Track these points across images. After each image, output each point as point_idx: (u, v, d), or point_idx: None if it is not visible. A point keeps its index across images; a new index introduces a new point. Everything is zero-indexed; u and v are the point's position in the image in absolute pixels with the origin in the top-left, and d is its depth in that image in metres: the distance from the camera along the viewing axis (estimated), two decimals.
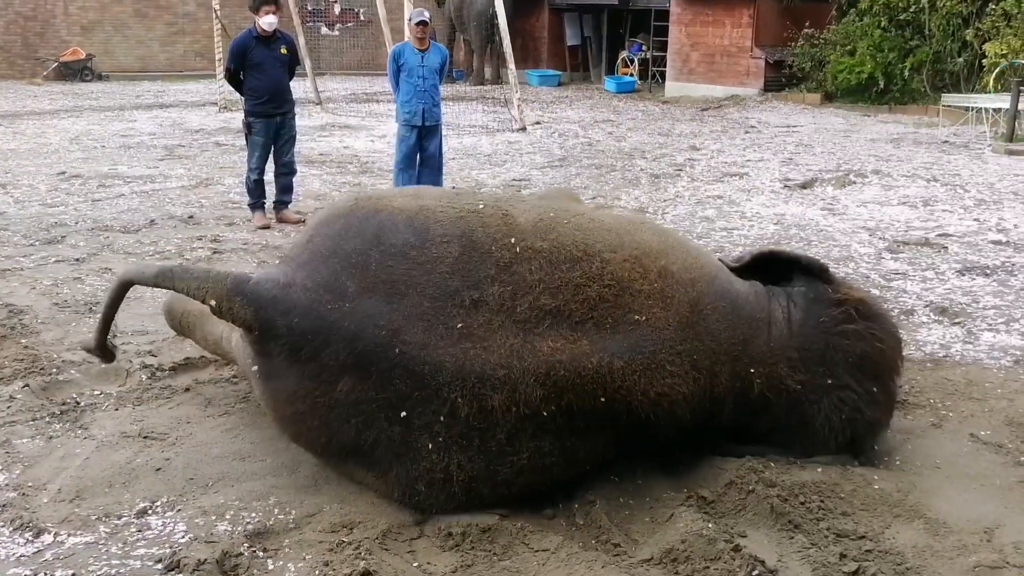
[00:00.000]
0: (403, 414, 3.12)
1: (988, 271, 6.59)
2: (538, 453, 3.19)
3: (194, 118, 15.41)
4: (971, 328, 5.39)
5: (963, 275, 6.51)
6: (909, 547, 3.10)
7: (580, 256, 3.30)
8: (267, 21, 7.68)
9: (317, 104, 17.20)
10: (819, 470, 3.47)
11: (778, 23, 19.47)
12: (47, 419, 4.01)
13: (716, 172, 10.76)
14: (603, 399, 3.17)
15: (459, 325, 3.12)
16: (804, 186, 9.85)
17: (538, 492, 3.29)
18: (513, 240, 3.28)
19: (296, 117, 8.32)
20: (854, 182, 9.94)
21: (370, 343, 3.11)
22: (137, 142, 12.52)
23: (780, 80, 19.37)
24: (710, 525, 3.13)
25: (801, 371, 3.50)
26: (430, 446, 3.14)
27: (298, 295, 3.21)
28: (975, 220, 8.25)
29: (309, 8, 23.42)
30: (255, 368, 3.40)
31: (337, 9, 25.02)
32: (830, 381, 3.50)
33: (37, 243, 7.13)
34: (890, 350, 3.65)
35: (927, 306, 5.80)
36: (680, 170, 10.90)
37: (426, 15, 8.57)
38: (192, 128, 14.08)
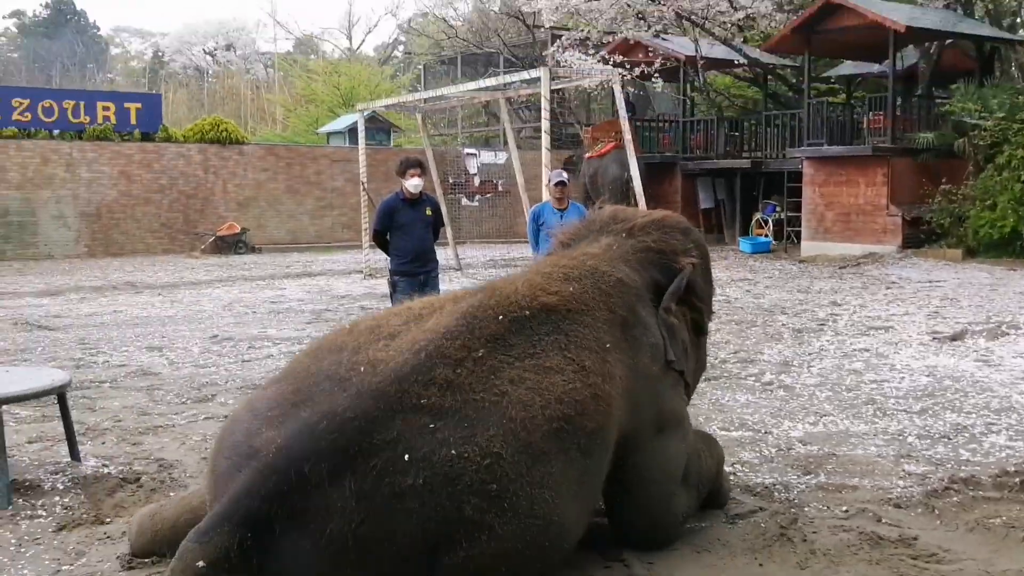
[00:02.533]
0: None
1: None
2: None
3: (340, 285, 15.98)
4: None
5: None
6: None
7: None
8: (413, 184, 7.99)
9: (458, 269, 17.67)
10: None
11: (913, 180, 19.25)
12: None
13: (860, 326, 10.47)
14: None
15: (361, 369, 3.35)
16: (954, 338, 9.46)
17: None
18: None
19: (439, 278, 8.54)
20: (1007, 333, 9.49)
21: (325, 435, 3.07)
22: (286, 307, 13.01)
23: (918, 237, 18.97)
24: None
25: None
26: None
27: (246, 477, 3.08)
28: None
29: (451, 181, 24.40)
30: None
31: (476, 181, 25.98)
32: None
33: (189, 401, 7.37)
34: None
35: None
36: (823, 324, 10.65)
37: (564, 176, 8.79)
38: (339, 294, 14.59)
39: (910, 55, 21.87)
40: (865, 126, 20.60)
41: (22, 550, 4.29)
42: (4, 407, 5.06)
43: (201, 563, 2.92)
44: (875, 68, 23.53)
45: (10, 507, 4.81)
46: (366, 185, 17.96)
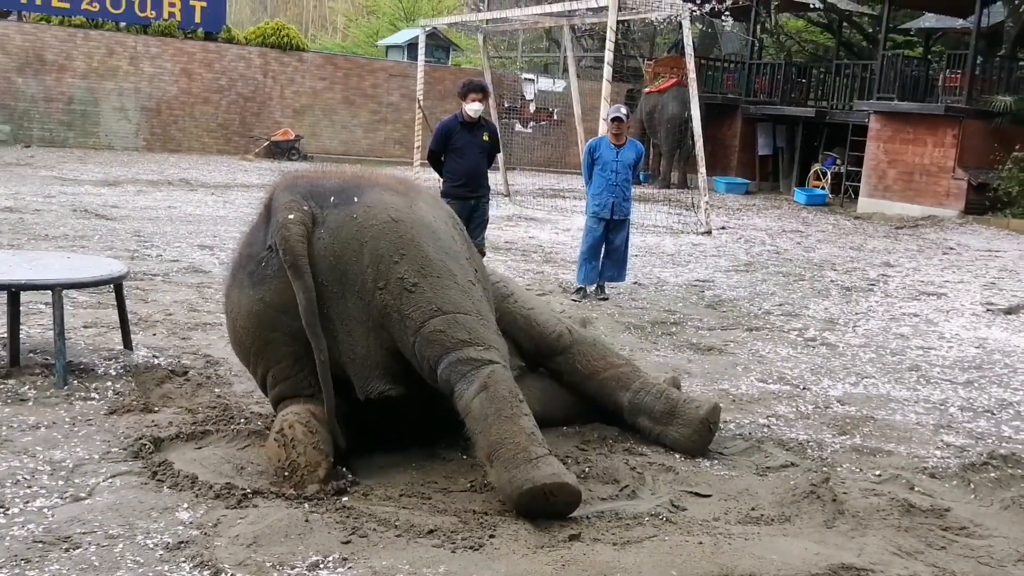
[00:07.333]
0: None
1: None
2: None
3: None
4: None
5: None
6: None
7: None
8: (473, 108, 7.93)
9: (506, 196, 17.60)
10: None
11: (985, 144, 18.74)
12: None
13: (912, 290, 10.32)
14: None
15: None
16: (1009, 312, 9.30)
17: None
18: None
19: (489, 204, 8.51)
20: None
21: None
22: None
23: (983, 203, 18.52)
24: None
25: None
26: None
27: None
28: None
29: (506, 105, 24.19)
30: None
31: (532, 108, 25.73)
32: None
33: None
34: None
35: None
36: (873, 285, 10.51)
37: (623, 111, 8.71)
38: None
39: (996, 11, 21.03)
40: (940, 84, 20.01)
41: (75, 429, 4.48)
42: (64, 292, 5.19)
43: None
44: (958, 23, 22.82)
45: (66, 387, 5.01)
46: (422, 103, 17.85)
